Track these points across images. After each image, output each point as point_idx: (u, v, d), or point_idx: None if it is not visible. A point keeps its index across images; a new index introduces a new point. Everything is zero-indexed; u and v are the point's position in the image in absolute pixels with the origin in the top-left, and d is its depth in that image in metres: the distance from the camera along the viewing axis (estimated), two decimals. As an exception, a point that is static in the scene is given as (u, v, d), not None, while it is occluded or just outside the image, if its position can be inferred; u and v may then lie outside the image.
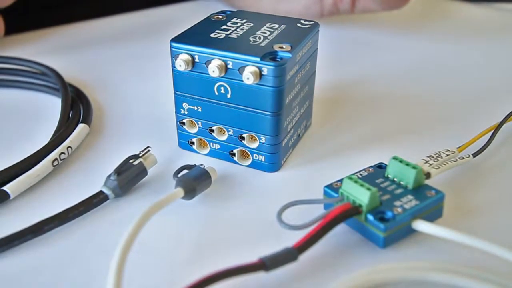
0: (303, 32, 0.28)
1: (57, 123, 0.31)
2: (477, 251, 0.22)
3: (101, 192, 0.26)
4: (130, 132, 0.32)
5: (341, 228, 0.24)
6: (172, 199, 0.24)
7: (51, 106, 0.35)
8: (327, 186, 0.25)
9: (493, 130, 0.29)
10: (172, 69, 0.28)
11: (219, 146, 0.29)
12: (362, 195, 0.23)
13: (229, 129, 0.28)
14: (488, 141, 0.28)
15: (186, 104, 0.28)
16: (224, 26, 0.29)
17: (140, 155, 0.27)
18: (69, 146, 0.29)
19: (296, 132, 0.30)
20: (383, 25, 0.46)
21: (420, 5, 0.52)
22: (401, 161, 0.25)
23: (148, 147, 0.27)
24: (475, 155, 0.27)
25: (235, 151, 0.28)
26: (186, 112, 0.28)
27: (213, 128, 0.28)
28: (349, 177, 0.24)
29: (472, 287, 0.21)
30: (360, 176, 0.25)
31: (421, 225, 0.23)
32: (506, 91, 0.37)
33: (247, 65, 0.26)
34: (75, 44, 0.45)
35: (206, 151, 0.29)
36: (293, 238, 0.22)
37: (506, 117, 0.30)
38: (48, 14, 0.50)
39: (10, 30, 0.45)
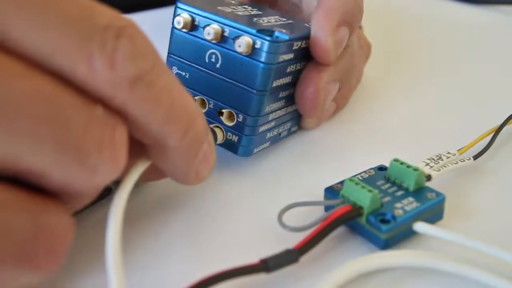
0: (308, 30, 0.28)
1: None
2: (477, 253, 0.22)
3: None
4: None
5: (342, 230, 0.24)
6: None
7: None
8: (328, 188, 0.25)
9: (493, 133, 0.29)
10: (172, 29, 0.28)
11: None
12: (363, 197, 0.23)
13: (210, 102, 0.27)
14: (488, 143, 0.29)
15: (175, 68, 0.28)
16: (233, 6, 0.29)
17: None
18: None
19: (278, 128, 0.29)
20: (382, 27, 0.46)
21: (420, 7, 0.52)
22: (402, 163, 0.25)
23: None
24: (475, 157, 0.28)
25: (211, 126, 0.28)
26: None
27: (196, 98, 0.28)
28: (350, 179, 0.24)
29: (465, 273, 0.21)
30: (361, 178, 0.25)
31: (421, 227, 0.23)
32: (507, 93, 0.37)
33: (242, 35, 0.26)
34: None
35: None
36: (294, 240, 0.22)
37: (506, 119, 0.30)
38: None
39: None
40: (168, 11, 0.50)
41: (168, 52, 0.28)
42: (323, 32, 0.28)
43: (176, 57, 0.28)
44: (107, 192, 0.26)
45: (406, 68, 0.40)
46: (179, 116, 0.20)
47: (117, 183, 0.26)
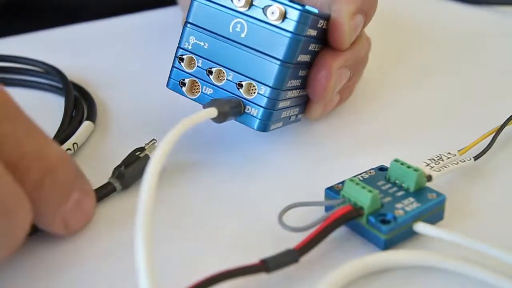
0: (327, 12, 0.29)
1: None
2: (477, 253, 0.22)
3: (109, 183, 0.26)
4: (134, 129, 0.32)
5: (342, 230, 0.24)
6: (204, 117, 0.25)
7: (56, 105, 0.35)
8: (328, 188, 0.25)
9: (494, 133, 0.29)
10: None
11: (212, 91, 0.28)
12: (363, 198, 0.23)
13: (230, 74, 0.27)
14: (489, 144, 0.29)
15: (193, 38, 0.28)
16: None
17: (146, 148, 0.28)
18: (75, 143, 0.29)
19: (290, 110, 0.29)
20: (384, 29, 0.46)
21: (420, 8, 0.52)
22: (402, 164, 0.25)
23: (153, 139, 0.28)
24: (476, 158, 0.28)
25: (234, 98, 0.27)
26: (190, 47, 0.28)
27: (213, 69, 0.27)
28: (351, 179, 0.24)
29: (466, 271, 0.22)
30: (361, 178, 0.25)
31: (422, 228, 0.23)
32: (507, 94, 0.37)
33: (274, 4, 0.26)
34: (80, 44, 0.45)
35: (195, 96, 0.28)
36: (295, 240, 0.22)
37: (507, 120, 0.30)
38: (53, 15, 0.50)
39: (15, 30, 0.45)
40: (168, 11, 0.50)
41: (186, 21, 0.28)
42: (342, 15, 0.28)
43: (195, 26, 0.28)
44: (111, 190, 0.26)
45: (406, 69, 0.40)
46: (28, 166, 0.21)
47: (124, 166, 0.26)
